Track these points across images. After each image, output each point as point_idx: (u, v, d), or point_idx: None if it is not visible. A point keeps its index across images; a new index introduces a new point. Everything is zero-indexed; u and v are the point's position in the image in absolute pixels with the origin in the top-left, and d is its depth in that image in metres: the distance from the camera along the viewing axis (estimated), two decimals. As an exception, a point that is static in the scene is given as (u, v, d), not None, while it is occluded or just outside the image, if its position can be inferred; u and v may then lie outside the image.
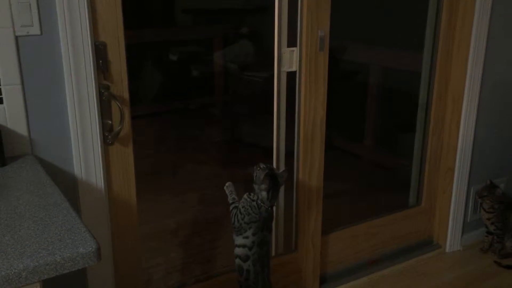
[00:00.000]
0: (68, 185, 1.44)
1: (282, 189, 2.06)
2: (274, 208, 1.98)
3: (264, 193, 1.64)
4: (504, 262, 2.37)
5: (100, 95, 1.44)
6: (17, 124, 1.34)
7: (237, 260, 1.66)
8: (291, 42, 1.85)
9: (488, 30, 2.19)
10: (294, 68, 1.88)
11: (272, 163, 2.02)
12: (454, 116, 2.32)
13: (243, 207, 1.66)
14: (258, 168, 1.68)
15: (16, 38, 1.29)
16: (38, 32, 1.31)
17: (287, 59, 1.86)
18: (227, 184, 1.77)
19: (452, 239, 2.47)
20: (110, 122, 1.50)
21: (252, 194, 1.68)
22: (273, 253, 2.12)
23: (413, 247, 2.45)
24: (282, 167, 2.04)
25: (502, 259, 2.39)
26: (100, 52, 1.42)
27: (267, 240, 1.69)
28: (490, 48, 2.24)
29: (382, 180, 2.98)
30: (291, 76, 1.91)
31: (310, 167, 2.00)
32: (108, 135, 1.50)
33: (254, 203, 1.65)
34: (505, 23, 2.26)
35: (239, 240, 1.66)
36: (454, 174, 2.37)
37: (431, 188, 2.46)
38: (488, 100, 2.34)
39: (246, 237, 1.64)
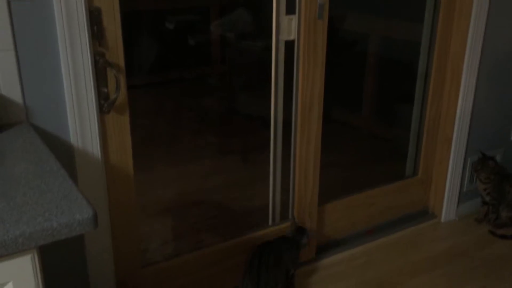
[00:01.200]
0: (64, 153, 1.43)
1: (279, 158, 2.07)
2: (271, 176, 2.00)
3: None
4: (499, 232, 2.39)
5: (95, 62, 1.42)
6: (11, 90, 1.31)
7: None
8: (290, 10, 1.82)
9: (489, 0, 2.16)
10: (292, 36, 1.85)
11: (269, 134, 2.01)
12: (453, 86, 2.30)
13: None
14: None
15: (9, 2, 1.26)
16: (31, -3, 1.28)
17: (285, 27, 1.83)
18: None
19: (448, 209, 2.49)
20: (105, 90, 1.48)
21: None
22: (270, 222, 2.13)
23: (409, 217, 2.48)
24: (280, 138, 2.04)
25: (497, 229, 2.42)
26: (94, 17, 1.39)
27: None
28: (491, 18, 2.21)
29: (379, 151, 2.98)
30: (289, 45, 1.89)
31: (308, 137, 2.00)
32: (104, 103, 1.48)
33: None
34: (507, -8, 2.22)
35: None
36: (452, 144, 2.37)
37: (428, 159, 2.46)
38: (488, 70, 2.33)
39: None
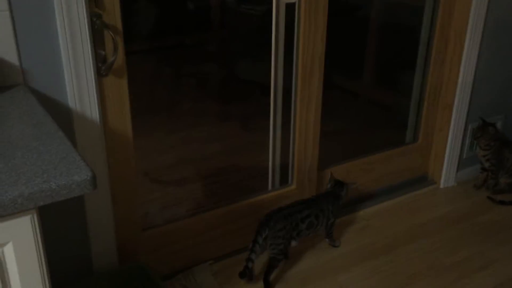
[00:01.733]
0: (62, 116, 1.42)
1: (279, 124, 2.06)
2: (271, 142, 2.00)
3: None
4: (498, 198, 2.41)
5: (92, 23, 1.39)
6: (7, 52, 1.29)
7: None
8: (291, -29, 1.78)
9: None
10: (293, -1, 1.81)
11: (269, 100, 2.00)
12: (456, 52, 2.27)
13: None
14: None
15: (1, -39, 1.23)
16: (24, -45, 1.25)
17: (286, -11, 1.79)
18: None
19: (447, 175, 2.50)
20: (103, 52, 1.46)
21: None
22: (269, 187, 2.14)
23: (408, 183, 2.49)
24: (280, 103, 2.03)
25: (495, 195, 2.43)
26: (90, -23, 1.36)
27: None
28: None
29: (380, 117, 2.97)
30: (290, 8, 1.85)
31: (308, 103, 1.98)
32: (102, 66, 1.46)
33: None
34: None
35: None
36: (452, 111, 2.36)
37: (429, 125, 2.45)
38: (491, 37, 2.29)
39: None
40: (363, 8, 2.98)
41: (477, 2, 2.15)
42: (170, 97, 3.22)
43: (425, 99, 2.40)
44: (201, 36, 3.55)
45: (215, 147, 2.73)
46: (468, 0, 2.16)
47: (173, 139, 2.80)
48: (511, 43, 2.38)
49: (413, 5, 2.55)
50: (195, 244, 1.93)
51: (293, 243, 1.90)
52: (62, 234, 1.57)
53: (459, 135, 2.42)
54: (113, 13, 1.43)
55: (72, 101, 1.42)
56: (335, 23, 1.96)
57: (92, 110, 1.45)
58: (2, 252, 0.91)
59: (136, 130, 1.65)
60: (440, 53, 2.30)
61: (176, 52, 3.50)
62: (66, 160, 0.95)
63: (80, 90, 1.41)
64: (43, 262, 0.95)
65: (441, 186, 2.51)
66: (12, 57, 1.31)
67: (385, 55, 3.07)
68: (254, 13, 3.02)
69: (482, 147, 2.40)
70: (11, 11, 1.27)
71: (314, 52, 1.90)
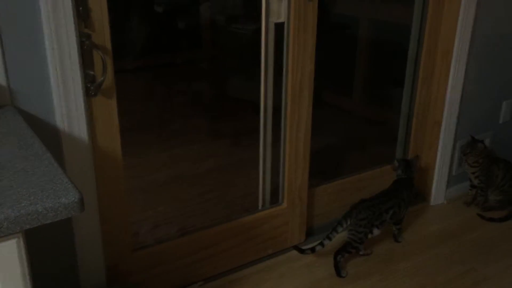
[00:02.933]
0: (50, 137, 1.41)
1: (269, 142, 2.06)
2: (261, 160, 2.01)
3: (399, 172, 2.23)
4: (487, 215, 2.41)
5: (81, 43, 1.39)
6: (-5, 73, 1.29)
7: None
8: (280, -9, 1.79)
9: (480, -19, 2.15)
10: (282, 18, 1.83)
11: (259, 117, 2.01)
12: (443, 70, 2.30)
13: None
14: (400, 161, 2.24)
15: (-10, -18, 1.23)
16: (13, -24, 1.25)
17: (275, 9, 1.80)
18: None
19: (437, 192, 2.50)
20: (92, 73, 1.46)
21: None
22: (259, 206, 2.13)
23: (399, 200, 2.48)
24: (270, 121, 2.03)
25: (485, 212, 2.44)
26: (80, -2, 1.36)
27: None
28: (481, 2, 2.20)
29: (370, 134, 2.98)
30: (279, 28, 1.87)
31: (298, 121, 1.99)
32: (91, 86, 1.46)
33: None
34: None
35: None
36: (441, 128, 2.38)
37: (418, 142, 2.47)
38: (477, 54, 2.32)
39: None
40: (352, 27, 3.02)
41: (463, 21, 2.18)
42: (161, 115, 3.22)
43: (414, 116, 2.41)
44: (192, 55, 3.57)
45: (205, 165, 2.73)
46: (454, 19, 2.19)
47: (164, 157, 2.80)
48: (498, 62, 2.42)
49: (400, 24, 2.59)
50: (185, 265, 1.91)
51: (376, 232, 2.05)
52: (49, 256, 1.54)
53: (448, 152, 2.44)
54: (103, 33, 1.44)
55: (60, 122, 1.41)
56: (324, 42, 1.98)
57: (80, 131, 1.45)
58: (-13, 277, 0.89)
59: (127, 149, 1.64)
60: (427, 70, 2.33)
61: (167, 70, 3.51)
62: (53, 182, 0.94)
63: (68, 110, 1.41)
64: (29, 286, 0.94)
65: (431, 203, 2.52)
66: (0, 78, 1.30)
67: (374, 73, 3.10)
68: (244, 32, 3.05)
69: (470, 164, 2.41)
70: (-1, 32, 1.27)
71: (304, 70, 1.92)
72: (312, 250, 2.00)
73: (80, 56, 1.39)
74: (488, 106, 2.50)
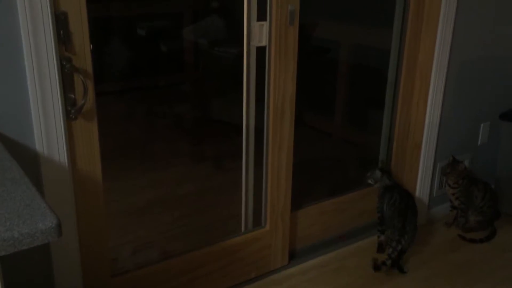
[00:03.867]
0: (29, 161, 1.39)
1: (251, 165, 2.06)
2: (243, 183, 2.00)
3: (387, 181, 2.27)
4: (468, 236, 2.43)
5: (61, 67, 1.39)
6: (-27, 97, 1.27)
7: None
8: (261, 16, 1.82)
9: (456, 9, 2.21)
10: (263, 42, 1.85)
11: (241, 140, 2.01)
12: (422, 93, 2.34)
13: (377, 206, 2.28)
14: (373, 173, 2.29)
15: (-30, 5, 1.23)
16: (-6, 0, 1.25)
17: (256, 33, 1.83)
18: None
19: (418, 214, 2.51)
20: (73, 96, 1.45)
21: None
22: (242, 229, 2.12)
23: (381, 222, 2.49)
24: (252, 144, 2.03)
25: (466, 233, 2.46)
26: (61, 22, 1.36)
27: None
28: (458, 27, 2.26)
29: (351, 156, 3.00)
30: (261, 51, 1.89)
31: (280, 143, 2.00)
32: (71, 110, 1.45)
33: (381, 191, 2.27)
34: (472, 3, 2.28)
35: None
36: (421, 150, 2.41)
37: (399, 165, 2.49)
38: (455, 78, 2.38)
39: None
40: (332, 51, 3.06)
41: (440, 46, 2.24)
42: (142, 138, 3.20)
43: (395, 138, 2.45)
44: (174, 78, 3.58)
45: (187, 188, 2.71)
46: (432, 43, 2.24)
47: (145, 179, 2.77)
48: (475, 85, 2.47)
49: (380, 48, 2.64)
50: (166, 290, 1.88)
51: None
52: (26, 282, 1.50)
53: (429, 174, 2.47)
54: (84, 57, 1.44)
55: (39, 145, 1.40)
56: (305, 65, 2.01)
57: (60, 154, 1.43)
58: (-40, 306, 0.87)
59: (107, 172, 1.63)
60: (407, 94, 2.37)
61: (149, 93, 3.51)
62: (30, 207, 0.93)
63: (48, 134, 1.40)
64: (4, 315, 0.91)
65: (413, 224, 2.53)
66: (-22, 101, 1.28)
67: (355, 95, 3.14)
68: (226, 55, 3.07)
69: (451, 185, 2.44)
70: (-22, 55, 1.26)
71: (285, 93, 1.93)
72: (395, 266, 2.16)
73: (61, 79, 1.39)
74: (467, 129, 2.55)
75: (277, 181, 2.04)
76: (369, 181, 2.29)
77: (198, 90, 3.62)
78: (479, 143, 2.63)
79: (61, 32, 1.37)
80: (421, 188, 2.48)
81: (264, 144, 2.00)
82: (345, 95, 3.14)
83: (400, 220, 2.14)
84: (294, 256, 2.23)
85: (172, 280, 1.89)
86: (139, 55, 3.50)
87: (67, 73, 1.41)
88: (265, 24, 1.82)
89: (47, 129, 1.39)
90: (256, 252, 2.08)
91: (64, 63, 1.40)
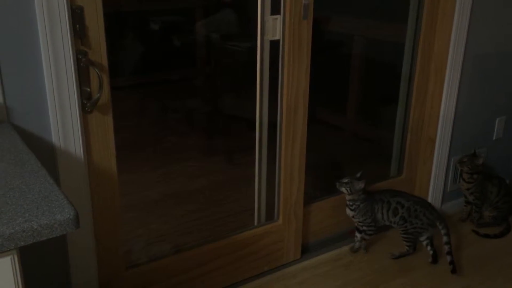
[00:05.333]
0: (46, 153, 1.41)
1: (265, 159, 2.06)
2: (256, 177, 2.00)
3: (362, 196, 2.13)
4: (482, 231, 2.42)
5: (77, 61, 1.40)
6: (-9, 90, 1.29)
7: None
8: (275, 10, 1.82)
9: (472, 2, 2.19)
10: (277, 36, 1.85)
11: (254, 134, 2.01)
12: (437, 87, 2.32)
13: (363, 215, 2.16)
14: (344, 182, 2.12)
15: (-12, 0, 1.24)
16: (11, -6, 1.26)
17: (270, 27, 1.82)
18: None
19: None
20: (88, 89, 1.46)
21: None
22: (255, 223, 2.13)
23: (394, 217, 2.48)
24: (265, 138, 2.04)
25: (480, 228, 2.44)
26: (77, 16, 1.37)
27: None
28: (473, 20, 2.23)
29: (364, 152, 2.99)
30: (274, 45, 1.88)
31: (293, 138, 1.99)
32: (87, 103, 1.46)
33: (363, 205, 2.14)
34: (489, -6, 2.25)
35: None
36: (435, 144, 2.39)
37: (412, 159, 2.48)
38: (470, 72, 2.35)
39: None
40: (346, 45, 3.05)
41: (455, 39, 2.21)
42: (155, 132, 3.22)
43: (408, 133, 2.43)
44: (187, 72, 3.59)
45: (200, 182, 2.72)
46: (447, 37, 2.22)
47: (158, 174, 2.78)
48: (490, 79, 2.45)
49: (394, 42, 2.62)
50: (178, 283, 1.89)
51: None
52: (42, 274, 1.53)
53: (443, 168, 2.45)
54: (99, 50, 1.45)
55: (56, 138, 1.41)
56: (318, 59, 2.00)
57: (76, 147, 1.45)
58: (-20, 295, 0.88)
59: (121, 165, 1.64)
60: (421, 88, 2.35)
61: (162, 88, 3.52)
62: (48, 199, 0.94)
63: (64, 127, 1.41)
64: (23, 305, 0.93)
65: (426, 219, 2.52)
66: (-4, 95, 1.30)
67: (368, 90, 3.12)
68: (238, 49, 3.07)
69: (465, 179, 2.42)
70: (-4, 49, 1.28)
71: (299, 88, 1.93)
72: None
73: (77, 73, 1.40)
74: (482, 123, 2.52)
75: (290, 175, 2.04)
76: (342, 189, 2.12)
77: (211, 85, 3.62)
78: (494, 137, 2.61)
79: (77, 26, 1.38)
80: (435, 182, 2.46)
81: (277, 138, 2.00)
82: (358, 89, 3.12)
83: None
84: (306, 250, 2.23)
85: (185, 273, 1.90)
86: (152, 50, 3.51)
87: (82, 67, 1.42)
88: (279, 18, 1.82)
89: (63, 122, 1.40)
90: (269, 246, 2.08)
91: (80, 57, 1.41)
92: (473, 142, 2.52)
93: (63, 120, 1.40)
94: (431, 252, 2.19)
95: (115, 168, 1.60)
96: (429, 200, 2.49)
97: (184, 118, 3.39)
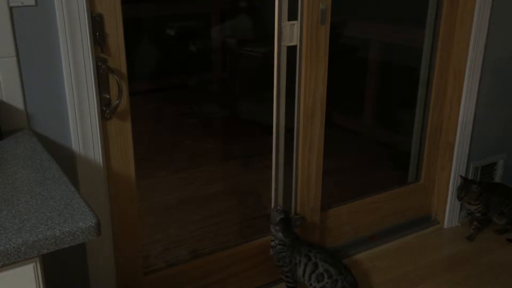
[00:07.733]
0: (66, 159, 1.42)
1: (282, 164, 2.06)
2: (273, 182, 1.99)
3: (280, 234, 1.87)
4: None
5: (97, 68, 1.41)
6: (13, 97, 1.31)
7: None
8: (292, 15, 1.81)
9: (491, 5, 2.16)
10: (294, 42, 1.85)
11: (271, 140, 2.01)
12: (455, 92, 2.29)
13: (278, 260, 1.89)
14: (275, 210, 1.90)
15: (10, 8, 1.26)
16: (33, 3, 1.28)
17: (287, 32, 1.82)
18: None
19: (451, 215, 2.48)
20: (108, 96, 1.47)
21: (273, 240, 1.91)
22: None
23: (412, 223, 2.46)
24: (282, 143, 2.03)
25: (499, 235, 2.40)
26: (96, 24, 1.39)
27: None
28: (492, 24, 2.21)
29: (381, 156, 2.97)
30: (291, 50, 1.88)
31: (310, 143, 1.99)
32: (106, 110, 1.47)
33: (280, 247, 1.88)
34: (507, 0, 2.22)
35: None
36: (454, 149, 2.36)
37: (431, 164, 2.45)
38: (489, 76, 2.32)
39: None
40: (362, 49, 3.03)
41: (474, 43, 2.19)
42: (172, 137, 3.23)
43: (426, 138, 2.40)
44: (203, 77, 3.60)
45: (216, 186, 2.72)
46: (466, 41, 2.20)
47: (175, 178, 2.80)
48: (510, 83, 2.41)
49: (411, 46, 2.60)
50: (197, 288, 1.89)
51: None
52: (62, 278, 1.54)
53: (461, 173, 2.42)
54: (118, 58, 1.46)
55: (76, 145, 1.42)
56: (335, 64, 1.99)
57: (95, 154, 1.46)
58: (4, 302, 0.89)
59: (138, 170, 1.65)
60: (439, 92, 2.33)
61: (179, 93, 3.54)
62: (70, 206, 0.95)
63: (84, 133, 1.42)
64: (45, 311, 0.93)
65: (445, 226, 2.49)
66: (17, 102, 1.32)
67: (385, 94, 3.10)
68: (255, 54, 3.07)
69: (473, 203, 2.32)
70: (18, 57, 1.30)
71: (316, 93, 1.92)
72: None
73: (96, 80, 1.41)
74: (502, 128, 2.49)
75: (307, 181, 2.03)
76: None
77: (227, 90, 3.63)
78: (514, 142, 2.57)
79: (97, 33, 1.39)
80: (454, 187, 2.43)
81: (295, 143, 2.00)
82: (375, 94, 3.10)
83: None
84: (324, 256, 2.21)
85: (203, 279, 1.90)
86: (168, 55, 3.54)
87: (102, 74, 1.44)
88: (296, 23, 1.82)
89: (83, 128, 1.42)
90: (286, 251, 2.08)
91: (100, 64, 1.42)
92: (492, 147, 2.48)
93: (82, 126, 1.41)
94: None
95: (134, 174, 1.61)
96: (447, 207, 2.46)
97: (200, 122, 3.40)
